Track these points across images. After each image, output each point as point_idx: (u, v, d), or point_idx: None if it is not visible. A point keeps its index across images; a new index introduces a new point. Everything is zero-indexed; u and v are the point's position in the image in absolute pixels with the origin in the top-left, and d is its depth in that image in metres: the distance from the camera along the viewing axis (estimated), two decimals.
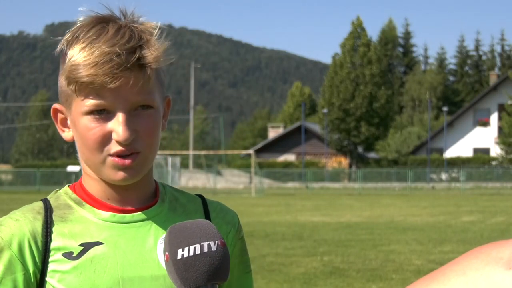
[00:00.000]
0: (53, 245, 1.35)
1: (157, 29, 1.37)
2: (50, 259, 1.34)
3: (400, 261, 11.36)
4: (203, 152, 56.08)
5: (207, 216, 1.49)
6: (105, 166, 1.34)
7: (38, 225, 1.35)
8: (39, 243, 1.34)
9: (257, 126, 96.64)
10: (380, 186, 51.85)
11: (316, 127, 71.67)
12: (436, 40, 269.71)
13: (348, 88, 62.42)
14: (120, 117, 1.31)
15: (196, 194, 1.53)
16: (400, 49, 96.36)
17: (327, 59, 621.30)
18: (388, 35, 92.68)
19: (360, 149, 65.30)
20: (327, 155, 66.64)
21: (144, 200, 1.42)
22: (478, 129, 68.38)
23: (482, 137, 68.08)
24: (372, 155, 68.69)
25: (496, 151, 64.54)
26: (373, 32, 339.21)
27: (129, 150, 1.33)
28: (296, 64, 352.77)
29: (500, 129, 64.78)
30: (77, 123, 1.35)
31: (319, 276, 9.80)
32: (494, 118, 67.70)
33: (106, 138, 1.32)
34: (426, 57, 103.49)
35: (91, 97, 1.31)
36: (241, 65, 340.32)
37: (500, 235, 15.53)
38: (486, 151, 67.42)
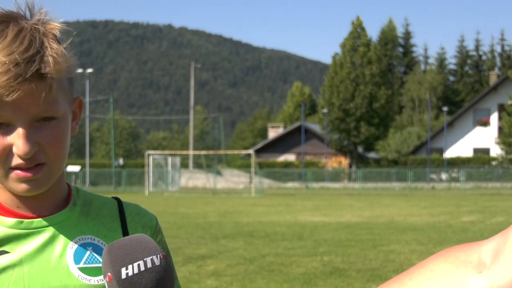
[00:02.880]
0: None
1: (61, 31, 1.29)
2: None
3: (400, 261, 11.35)
4: (203, 152, 56.07)
5: (123, 219, 1.42)
6: (9, 179, 1.28)
7: None
8: None
9: (257, 126, 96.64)
10: (380, 186, 51.84)
11: (316, 127, 71.67)
12: (436, 40, 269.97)
13: (348, 88, 62.41)
14: (20, 130, 1.24)
15: (113, 197, 1.48)
16: (400, 49, 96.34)
17: (327, 59, 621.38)
18: (388, 35, 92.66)
19: (360, 149, 65.30)
20: (327, 155, 66.64)
21: (56, 206, 1.37)
22: (478, 129, 68.37)
23: (482, 137, 68.08)
24: (372, 155, 68.69)
25: (496, 151, 64.53)
26: (373, 32, 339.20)
27: (31, 163, 1.27)
28: (296, 64, 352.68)
29: (500, 129, 64.77)
30: None
31: (319, 276, 9.80)
32: (494, 118, 67.69)
33: (6, 152, 1.26)
34: (426, 57, 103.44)
35: None
36: (241, 65, 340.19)
37: None
38: (486, 151, 67.42)
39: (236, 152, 70.67)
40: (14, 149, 1.26)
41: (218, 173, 56.63)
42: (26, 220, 1.33)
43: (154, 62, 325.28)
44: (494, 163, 61.31)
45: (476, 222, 19.41)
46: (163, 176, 49.52)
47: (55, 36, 1.27)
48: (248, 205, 29.42)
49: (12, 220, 1.32)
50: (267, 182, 53.84)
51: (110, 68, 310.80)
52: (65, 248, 1.33)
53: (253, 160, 46.93)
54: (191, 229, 16.51)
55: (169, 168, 49.91)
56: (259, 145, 74.95)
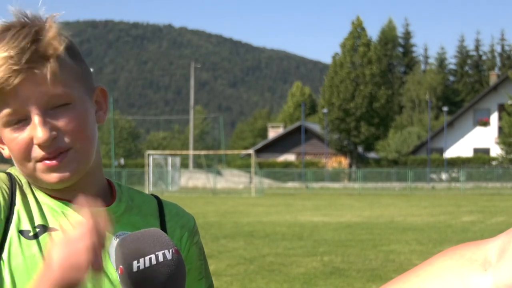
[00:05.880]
0: (13, 220, 1.31)
1: (55, 23, 1.31)
2: (8, 233, 1.29)
3: (400, 261, 11.35)
4: (203, 152, 56.07)
5: (162, 218, 1.44)
6: (38, 173, 1.30)
7: (4, 196, 1.32)
8: (2, 216, 1.30)
9: (257, 126, 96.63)
10: (380, 186, 51.83)
11: (316, 127, 71.66)
12: (436, 40, 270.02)
13: (348, 88, 62.41)
14: (35, 119, 1.26)
15: (152, 195, 1.48)
16: (400, 49, 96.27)
17: (327, 59, 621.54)
18: (388, 35, 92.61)
19: (360, 149, 65.30)
20: (327, 155, 66.64)
21: (95, 199, 1.36)
22: (478, 129, 68.37)
23: (482, 137, 68.08)
24: (372, 155, 68.68)
25: (496, 151, 64.53)
26: (373, 32, 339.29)
27: (54, 152, 1.28)
28: (296, 64, 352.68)
29: (500, 129, 64.77)
30: (3, 138, 1.32)
31: (319, 276, 9.80)
32: (494, 118, 67.69)
33: (29, 146, 1.28)
34: (426, 57, 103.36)
35: (3, 107, 1.27)
36: (241, 65, 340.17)
37: None
38: (486, 151, 67.41)
39: (236, 152, 70.67)
40: (34, 141, 1.27)
41: (218, 173, 56.62)
42: (74, 205, 1.34)
43: (154, 62, 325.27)
44: (494, 163, 61.30)
45: (476, 222, 19.41)
46: (163, 176, 49.52)
47: (50, 26, 1.29)
48: (248, 205, 29.42)
49: (67, 203, 1.34)
50: (267, 182, 53.83)
51: (110, 68, 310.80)
52: (108, 241, 1.34)
53: (253, 160, 46.93)
54: None
55: (169, 168, 49.91)
56: (259, 145, 74.93)
